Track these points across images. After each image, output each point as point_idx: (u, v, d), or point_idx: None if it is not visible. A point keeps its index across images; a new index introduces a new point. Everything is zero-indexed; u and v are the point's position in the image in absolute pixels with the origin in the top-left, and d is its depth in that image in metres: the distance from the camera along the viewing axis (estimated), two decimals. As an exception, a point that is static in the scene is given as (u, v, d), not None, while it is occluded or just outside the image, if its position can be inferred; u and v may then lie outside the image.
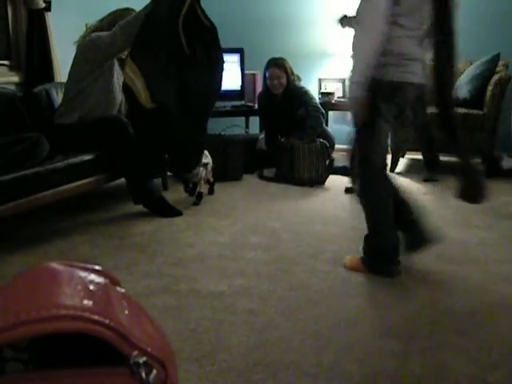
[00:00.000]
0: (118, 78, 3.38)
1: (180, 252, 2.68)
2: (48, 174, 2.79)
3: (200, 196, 3.60)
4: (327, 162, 4.14)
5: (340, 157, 4.93)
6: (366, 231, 2.40)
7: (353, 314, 2.00)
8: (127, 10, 3.33)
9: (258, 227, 3.08)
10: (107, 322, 0.44)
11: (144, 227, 3.09)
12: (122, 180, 3.34)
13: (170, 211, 3.31)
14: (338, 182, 4.18)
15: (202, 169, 3.54)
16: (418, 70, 2.29)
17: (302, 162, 4.12)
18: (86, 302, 0.46)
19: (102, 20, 3.36)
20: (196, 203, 3.56)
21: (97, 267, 0.55)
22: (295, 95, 4.46)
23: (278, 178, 4.22)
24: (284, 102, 4.50)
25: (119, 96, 3.38)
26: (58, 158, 2.92)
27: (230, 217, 3.30)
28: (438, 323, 1.92)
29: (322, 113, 4.40)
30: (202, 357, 1.70)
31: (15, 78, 3.63)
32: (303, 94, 4.45)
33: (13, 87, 3.55)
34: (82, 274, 0.51)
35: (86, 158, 3.08)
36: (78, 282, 0.48)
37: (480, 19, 4.90)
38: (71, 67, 3.28)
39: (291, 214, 3.34)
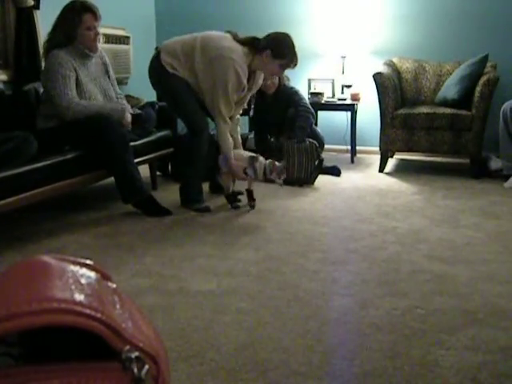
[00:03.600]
0: (97, 77, 3.38)
1: (169, 251, 2.68)
2: (36, 173, 2.77)
3: (250, 194, 3.51)
4: (316, 162, 4.15)
5: (329, 157, 4.95)
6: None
7: (342, 313, 2.00)
8: (75, 2, 3.24)
9: (248, 226, 3.08)
10: (99, 315, 0.44)
11: (133, 226, 3.08)
12: (112, 179, 3.32)
13: (160, 211, 3.30)
14: (327, 182, 4.19)
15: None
16: None
17: (292, 162, 4.12)
18: (77, 295, 0.45)
19: (54, 29, 3.26)
20: (252, 205, 3.50)
21: (88, 261, 0.54)
22: (285, 95, 4.47)
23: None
24: (274, 102, 4.50)
25: (100, 97, 3.35)
26: (47, 157, 2.89)
27: (219, 216, 3.30)
28: (428, 322, 1.93)
29: (312, 113, 4.40)
30: (192, 356, 1.69)
31: (4, 77, 3.61)
32: (293, 94, 4.46)
33: (1, 85, 3.53)
34: (74, 267, 0.50)
35: (75, 156, 3.06)
36: (69, 275, 0.48)
37: (468, 20, 4.94)
38: (42, 75, 3.27)
39: (280, 214, 3.34)
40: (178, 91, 3.34)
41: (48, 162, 2.87)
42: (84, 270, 0.51)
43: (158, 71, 3.35)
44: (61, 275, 0.47)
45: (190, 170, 3.48)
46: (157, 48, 3.50)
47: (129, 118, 3.40)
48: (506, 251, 2.68)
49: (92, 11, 3.26)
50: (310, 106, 4.43)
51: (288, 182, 4.10)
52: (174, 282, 2.29)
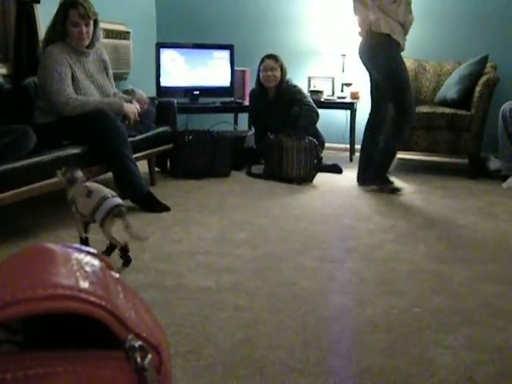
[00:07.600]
0: (94, 73, 3.36)
1: (167, 247, 2.68)
2: (34, 167, 2.76)
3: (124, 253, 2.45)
4: (315, 160, 4.14)
5: (328, 155, 4.95)
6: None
7: (339, 311, 2.00)
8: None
9: (246, 224, 3.08)
10: (103, 303, 0.44)
11: (131, 222, 3.06)
12: (110, 174, 3.32)
13: (158, 206, 3.29)
14: (325, 180, 4.19)
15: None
16: None
17: (291, 159, 4.11)
18: (82, 282, 0.45)
19: (51, 25, 3.27)
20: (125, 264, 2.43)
21: (92, 250, 0.54)
22: (288, 94, 4.44)
23: (266, 175, 4.21)
24: (276, 100, 4.48)
25: (96, 93, 3.34)
26: (45, 151, 2.89)
27: (217, 213, 3.29)
28: (425, 321, 1.93)
29: (317, 112, 4.36)
30: (189, 352, 1.69)
31: (3, 70, 3.60)
32: (297, 93, 4.43)
33: (0, 79, 3.52)
34: (78, 255, 0.50)
35: (73, 151, 3.05)
36: (73, 262, 0.48)
37: (469, 20, 4.94)
38: (38, 72, 3.26)
39: (279, 211, 3.34)
40: (400, 61, 3.67)
41: (46, 157, 2.85)
42: (88, 258, 0.51)
43: (381, 44, 3.58)
44: (65, 262, 0.47)
45: (387, 154, 3.78)
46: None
47: (132, 108, 3.41)
48: (503, 252, 2.68)
49: (76, 8, 3.19)
50: (314, 105, 4.40)
51: (286, 180, 4.11)
52: (172, 277, 2.29)
